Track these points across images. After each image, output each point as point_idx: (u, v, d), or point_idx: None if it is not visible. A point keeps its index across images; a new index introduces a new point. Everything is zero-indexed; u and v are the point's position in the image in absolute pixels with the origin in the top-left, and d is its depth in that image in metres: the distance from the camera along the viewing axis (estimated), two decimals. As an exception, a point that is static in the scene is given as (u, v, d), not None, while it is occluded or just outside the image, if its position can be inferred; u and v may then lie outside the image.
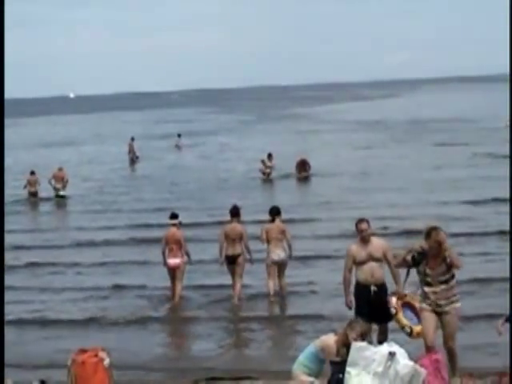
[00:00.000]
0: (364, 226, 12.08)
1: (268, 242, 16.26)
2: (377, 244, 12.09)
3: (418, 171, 34.96)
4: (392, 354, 9.54)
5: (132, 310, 16.49)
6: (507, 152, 35.08)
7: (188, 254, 16.68)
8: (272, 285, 16.35)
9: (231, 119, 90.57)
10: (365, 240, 12.05)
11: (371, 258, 11.99)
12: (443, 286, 10.79)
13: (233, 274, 16.39)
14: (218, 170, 40.18)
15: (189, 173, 39.57)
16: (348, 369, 9.66)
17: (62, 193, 33.11)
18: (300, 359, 10.28)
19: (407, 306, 11.59)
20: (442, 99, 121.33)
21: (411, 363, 9.63)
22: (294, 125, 72.42)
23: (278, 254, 16.26)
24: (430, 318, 10.86)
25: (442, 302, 10.82)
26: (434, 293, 10.81)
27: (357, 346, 9.72)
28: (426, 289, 10.85)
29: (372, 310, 11.90)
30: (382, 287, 12.06)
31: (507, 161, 32.45)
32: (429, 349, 10.68)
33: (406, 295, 11.63)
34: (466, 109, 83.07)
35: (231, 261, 16.24)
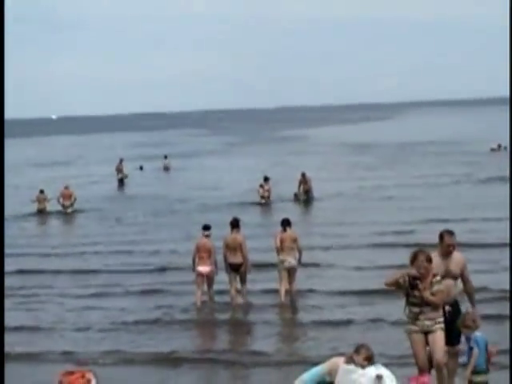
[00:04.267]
0: (452, 240, 11.02)
1: (282, 250, 17.27)
2: (457, 259, 11.05)
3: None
4: (379, 377, 9.46)
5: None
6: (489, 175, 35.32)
7: (216, 264, 17.59)
8: (284, 290, 17.30)
9: (220, 141, 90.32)
10: (447, 254, 11.03)
11: (449, 274, 10.99)
12: (430, 307, 10.81)
13: (232, 280, 17.36)
14: (210, 193, 38.86)
15: (179, 195, 38.87)
16: (335, 392, 9.63)
17: (70, 210, 34.58)
18: (303, 377, 9.92)
19: None
20: (429, 122, 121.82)
21: (398, 386, 9.62)
22: (284, 147, 72.24)
23: (289, 261, 17.28)
24: (419, 341, 10.86)
25: (428, 323, 10.84)
26: (422, 313, 10.82)
27: (344, 368, 9.65)
28: (415, 309, 10.87)
29: (446, 332, 10.85)
30: (456, 307, 11.14)
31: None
32: (422, 371, 10.71)
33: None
34: (453, 132, 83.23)
35: (235, 268, 17.29)
